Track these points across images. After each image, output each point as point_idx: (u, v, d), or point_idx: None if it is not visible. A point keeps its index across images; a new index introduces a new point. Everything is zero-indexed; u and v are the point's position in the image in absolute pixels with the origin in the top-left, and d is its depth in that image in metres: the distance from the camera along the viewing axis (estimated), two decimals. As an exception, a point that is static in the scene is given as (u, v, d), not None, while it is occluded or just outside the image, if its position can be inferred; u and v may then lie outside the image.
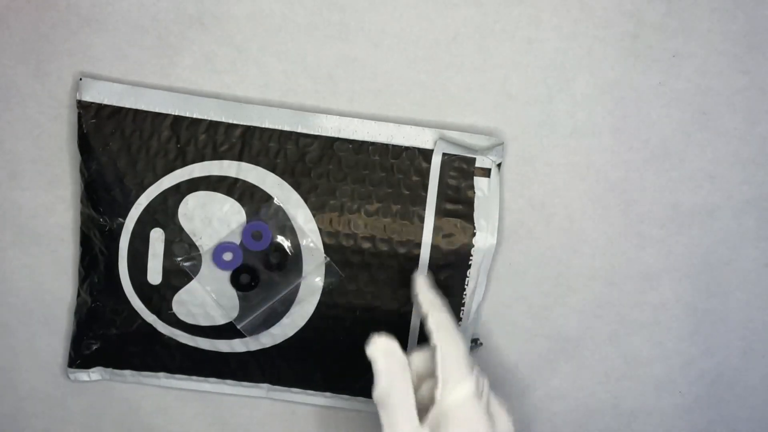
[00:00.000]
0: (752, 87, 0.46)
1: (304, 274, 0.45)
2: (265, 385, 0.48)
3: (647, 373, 0.49)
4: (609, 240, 0.47)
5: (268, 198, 0.45)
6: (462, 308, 0.46)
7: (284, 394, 0.48)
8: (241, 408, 0.49)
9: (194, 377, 0.47)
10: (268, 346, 0.46)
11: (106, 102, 0.44)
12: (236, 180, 0.45)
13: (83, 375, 0.47)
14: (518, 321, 0.48)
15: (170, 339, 0.46)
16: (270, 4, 0.45)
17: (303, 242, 0.45)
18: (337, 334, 0.46)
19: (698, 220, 0.47)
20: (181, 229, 0.45)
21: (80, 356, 0.47)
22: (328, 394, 0.48)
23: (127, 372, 0.47)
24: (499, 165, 0.45)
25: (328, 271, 0.45)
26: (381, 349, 0.38)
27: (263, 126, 0.45)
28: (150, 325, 0.46)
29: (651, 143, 0.46)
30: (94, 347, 0.46)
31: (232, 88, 0.46)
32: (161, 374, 0.47)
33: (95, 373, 0.48)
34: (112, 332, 0.46)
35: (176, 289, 0.45)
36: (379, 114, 0.46)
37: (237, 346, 0.46)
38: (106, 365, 0.47)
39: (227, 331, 0.46)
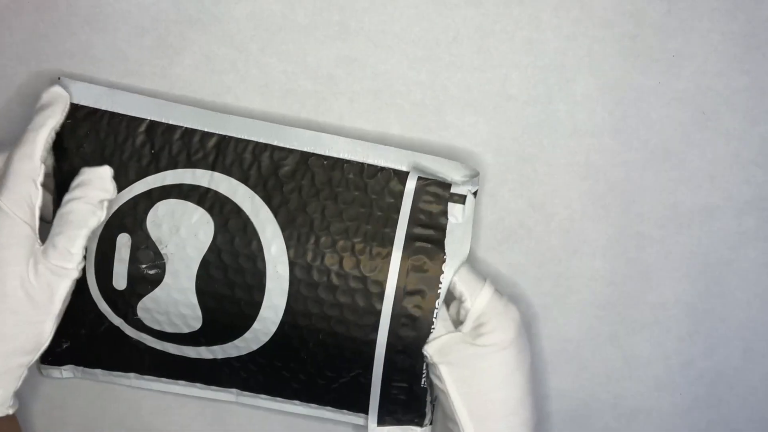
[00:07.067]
0: (752, 87, 0.46)
1: (267, 292, 0.43)
2: (235, 390, 0.47)
3: (647, 373, 0.49)
4: (609, 240, 0.47)
5: (238, 210, 0.43)
6: (431, 335, 0.44)
7: (254, 400, 0.47)
8: (240, 408, 0.49)
9: (164, 379, 0.47)
10: (233, 356, 0.45)
11: (82, 103, 0.44)
12: (208, 190, 0.44)
13: (55, 372, 0.47)
14: (518, 321, 0.48)
15: (138, 342, 0.45)
16: (270, 4, 0.45)
17: (267, 257, 0.43)
18: (300, 354, 0.45)
19: (698, 220, 0.47)
20: (148, 236, 0.43)
21: (52, 353, 0.46)
22: (296, 402, 0.47)
23: (98, 371, 0.47)
24: (475, 192, 0.44)
25: (291, 295, 0.43)
26: None
27: (239, 136, 0.44)
28: (118, 328, 0.45)
29: (651, 143, 0.46)
30: (65, 345, 0.46)
31: (232, 88, 0.46)
32: (131, 375, 0.47)
33: (67, 371, 0.47)
34: (81, 332, 0.45)
35: (141, 295, 0.44)
36: (379, 114, 0.46)
37: (204, 353, 0.45)
38: (77, 364, 0.47)
39: (193, 339, 0.45)
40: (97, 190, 0.42)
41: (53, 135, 0.42)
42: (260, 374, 0.46)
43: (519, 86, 0.46)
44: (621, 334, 0.48)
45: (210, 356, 0.45)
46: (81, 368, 0.47)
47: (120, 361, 0.46)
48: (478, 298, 0.43)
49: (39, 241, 0.41)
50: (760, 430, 0.50)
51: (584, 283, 0.48)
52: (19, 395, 0.42)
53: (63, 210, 0.41)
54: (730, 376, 0.49)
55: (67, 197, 0.42)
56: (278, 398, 0.47)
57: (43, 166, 0.41)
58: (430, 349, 0.43)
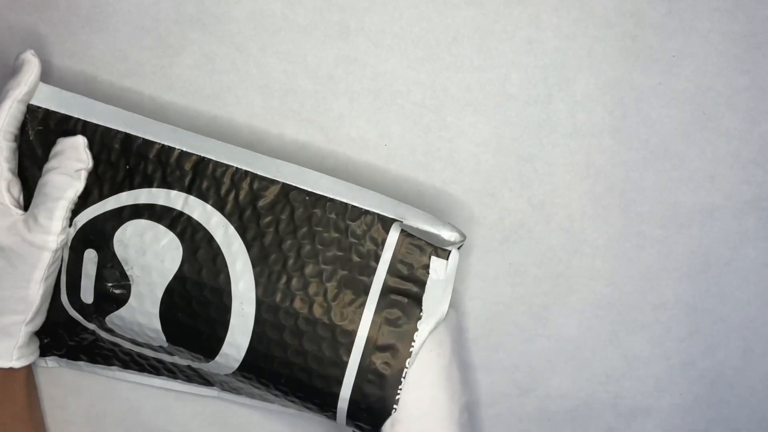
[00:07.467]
0: (752, 87, 0.46)
1: (230, 329, 0.41)
2: (216, 388, 0.47)
3: (647, 373, 0.49)
4: (609, 240, 0.47)
5: (210, 239, 0.41)
6: (398, 396, 0.41)
7: (236, 398, 0.47)
8: (240, 407, 0.49)
9: (146, 373, 0.47)
10: (205, 370, 0.44)
11: (53, 108, 0.41)
12: (181, 213, 0.41)
13: (40, 361, 0.47)
14: (518, 321, 0.48)
15: (114, 343, 0.45)
16: (270, 4, 0.45)
17: (234, 292, 0.41)
18: (264, 391, 0.44)
19: (698, 220, 0.47)
20: (114, 255, 0.41)
21: None
22: (277, 404, 0.46)
23: (81, 363, 0.47)
24: (459, 247, 0.42)
25: (256, 332, 0.41)
26: None
27: (219, 160, 0.41)
28: (93, 331, 0.45)
29: (651, 143, 0.46)
30: (45, 341, 0.45)
31: (232, 88, 0.46)
32: (114, 368, 0.47)
33: (51, 361, 0.47)
34: (59, 331, 0.45)
35: (108, 312, 0.43)
36: (379, 114, 0.46)
37: (178, 360, 0.45)
38: (60, 356, 0.47)
39: (165, 350, 0.44)
40: (71, 161, 0.41)
41: (20, 107, 0.41)
42: (235, 384, 0.45)
43: (519, 86, 0.46)
44: (621, 334, 0.48)
45: (185, 363, 0.45)
46: (64, 360, 0.47)
47: (101, 356, 0.46)
48: None
49: (18, 211, 0.41)
50: (760, 430, 0.50)
51: (584, 283, 0.48)
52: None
53: (41, 181, 0.41)
54: (730, 376, 0.49)
55: (45, 168, 0.41)
56: (258, 399, 0.47)
57: (5, 142, 0.40)
58: None
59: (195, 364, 0.44)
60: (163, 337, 0.42)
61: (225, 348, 0.42)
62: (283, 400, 0.44)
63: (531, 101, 0.46)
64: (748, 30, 0.45)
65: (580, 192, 0.47)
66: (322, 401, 0.42)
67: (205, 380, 0.46)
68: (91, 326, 0.44)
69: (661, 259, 0.47)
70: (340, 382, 0.41)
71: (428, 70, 0.46)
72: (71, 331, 0.45)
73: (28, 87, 0.41)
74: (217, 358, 0.42)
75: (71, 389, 0.49)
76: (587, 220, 0.47)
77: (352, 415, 0.42)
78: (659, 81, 0.46)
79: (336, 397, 0.41)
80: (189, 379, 0.47)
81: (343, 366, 0.41)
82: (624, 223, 0.47)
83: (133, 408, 0.49)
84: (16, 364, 0.42)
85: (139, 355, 0.46)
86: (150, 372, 0.47)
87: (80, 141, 0.41)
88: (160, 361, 0.46)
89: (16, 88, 0.40)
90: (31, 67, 0.41)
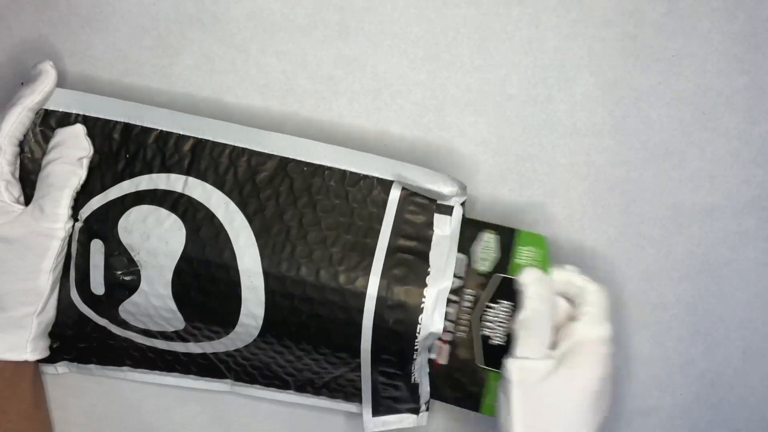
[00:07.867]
0: (752, 87, 0.46)
1: (243, 301, 0.42)
2: (229, 381, 0.47)
3: (647, 373, 0.49)
4: (609, 240, 0.47)
5: (212, 217, 0.42)
6: (414, 359, 0.42)
7: (249, 390, 0.47)
8: (241, 407, 0.49)
9: (157, 371, 0.47)
10: (221, 351, 0.45)
11: (51, 108, 0.42)
12: (181, 195, 0.42)
13: (50, 368, 0.47)
14: (518, 321, 0.48)
15: (126, 339, 0.45)
16: (270, 4, 0.45)
17: (240, 266, 0.41)
18: (286, 356, 0.44)
19: (698, 220, 0.47)
20: (120, 243, 0.42)
21: None
22: (291, 392, 0.47)
23: (92, 366, 0.47)
24: (463, 203, 0.42)
25: (269, 302, 0.42)
26: (533, 276, 0.41)
27: (215, 140, 0.42)
28: (104, 328, 0.45)
29: (651, 143, 0.46)
30: (55, 345, 0.45)
31: (232, 88, 0.46)
32: (125, 368, 0.47)
33: (62, 367, 0.47)
34: (68, 333, 0.45)
35: (120, 300, 0.43)
36: (379, 114, 0.46)
37: (192, 348, 0.45)
38: (70, 360, 0.47)
39: (180, 336, 0.44)
40: (73, 149, 0.42)
41: (29, 114, 0.42)
42: (251, 367, 0.46)
43: (519, 86, 0.46)
44: (621, 334, 0.48)
45: (199, 350, 0.45)
46: (75, 364, 0.47)
47: (111, 356, 0.46)
48: (592, 330, 0.40)
49: (19, 206, 0.41)
50: (760, 430, 0.50)
51: (584, 283, 0.48)
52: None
53: (43, 173, 0.42)
54: (730, 376, 0.49)
55: (45, 160, 0.42)
56: (272, 388, 0.47)
57: (10, 146, 0.41)
58: (512, 365, 0.40)
59: (211, 348, 0.45)
60: (180, 317, 0.43)
61: (242, 319, 0.42)
62: (306, 361, 0.44)
63: (531, 101, 0.46)
64: (748, 30, 0.45)
65: (580, 192, 0.47)
66: (344, 356, 0.43)
67: (217, 371, 0.46)
68: (102, 321, 0.44)
69: (661, 259, 0.47)
70: (358, 338, 0.42)
71: (428, 70, 0.46)
72: (81, 330, 0.45)
73: (41, 96, 0.41)
74: (237, 329, 0.43)
75: (72, 390, 0.49)
76: (587, 220, 0.47)
77: (377, 362, 0.42)
78: (659, 81, 0.46)
79: (357, 350, 0.42)
80: (201, 372, 0.46)
81: (358, 326, 0.41)
82: (624, 223, 0.47)
83: (133, 408, 0.49)
84: (30, 356, 0.42)
85: (151, 349, 0.46)
86: (161, 368, 0.47)
87: (80, 129, 0.42)
88: (172, 353, 0.46)
89: (29, 96, 0.41)
90: (48, 77, 0.41)
